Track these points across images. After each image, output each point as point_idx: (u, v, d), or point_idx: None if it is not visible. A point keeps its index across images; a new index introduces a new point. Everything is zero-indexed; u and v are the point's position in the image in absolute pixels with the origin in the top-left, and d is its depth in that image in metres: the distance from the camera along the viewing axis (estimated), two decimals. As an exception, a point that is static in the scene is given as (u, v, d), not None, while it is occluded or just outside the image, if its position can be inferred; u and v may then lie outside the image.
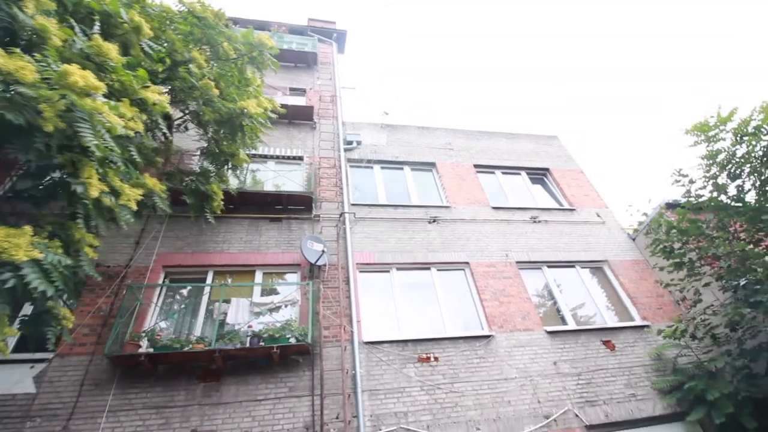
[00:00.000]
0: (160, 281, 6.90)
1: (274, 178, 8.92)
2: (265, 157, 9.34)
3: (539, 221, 9.26)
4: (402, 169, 10.11)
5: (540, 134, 11.99)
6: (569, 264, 8.62)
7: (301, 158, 9.52)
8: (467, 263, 8.10)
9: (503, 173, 10.67)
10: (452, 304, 7.52)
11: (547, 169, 10.92)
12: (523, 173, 10.77)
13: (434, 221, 8.75)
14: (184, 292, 6.91)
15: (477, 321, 7.34)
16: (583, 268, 8.66)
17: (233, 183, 8.19)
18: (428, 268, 7.96)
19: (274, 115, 7.70)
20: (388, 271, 7.79)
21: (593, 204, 10.03)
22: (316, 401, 5.77)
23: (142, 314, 6.34)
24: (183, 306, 6.64)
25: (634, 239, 9.27)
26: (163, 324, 6.42)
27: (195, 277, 7.14)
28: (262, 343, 5.80)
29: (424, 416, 5.91)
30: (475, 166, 10.44)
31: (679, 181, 6.87)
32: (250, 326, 6.01)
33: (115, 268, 6.87)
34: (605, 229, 9.43)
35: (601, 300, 8.19)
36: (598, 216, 9.69)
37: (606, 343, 7.24)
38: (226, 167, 6.72)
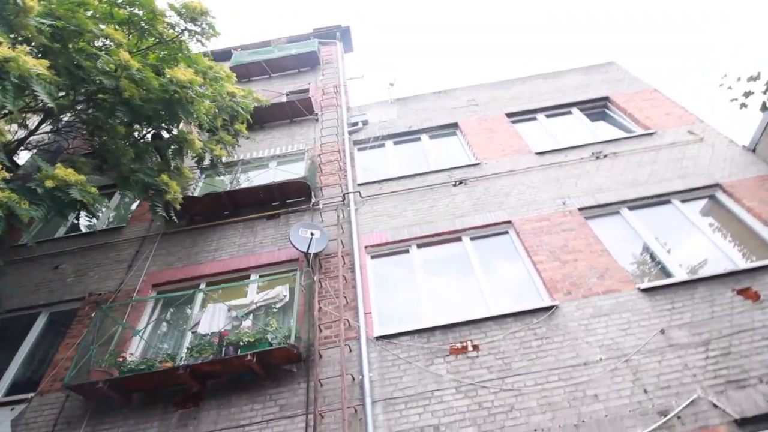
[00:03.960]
0: (150, 301, 6.14)
1: (273, 176, 8.00)
2: (264, 159, 8.53)
3: (605, 156, 6.98)
4: (419, 139, 8.59)
5: (589, 65, 9.66)
6: (661, 199, 6.20)
7: (302, 152, 8.55)
8: (509, 222, 6.18)
9: (548, 116, 8.56)
10: (495, 276, 5.65)
11: (606, 98, 8.55)
12: (575, 109, 8.53)
13: (460, 183, 7.01)
14: (175, 308, 6.06)
15: (532, 290, 5.35)
16: (684, 201, 6.17)
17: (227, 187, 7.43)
18: (459, 239, 6.20)
19: (245, 100, 6.92)
20: (407, 251, 6.19)
21: (680, 122, 7.43)
22: (310, 421, 4.30)
23: (125, 338, 5.55)
24: (155, 321, 5.74)
25: (753, 149, 6.50)
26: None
27: (187, 292, 6.27)
28: (238, 352, 4.57)
29: (466, 429, 4.08)
30: (508, 115, 8.51)
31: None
32: (224, 333, 4.83)
33: (106, 294, 6.29)
34: (706, 147, 6.79)
35: (721, 237, 5.63)
36: (691, 133, 7.08)
37: (743, 292, 4.73)
38: (179, 156, 5.86)
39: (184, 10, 5.38)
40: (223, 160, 7.99)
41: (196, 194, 7.54)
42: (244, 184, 7.85)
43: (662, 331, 4.52)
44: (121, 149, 5.78)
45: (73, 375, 4.78)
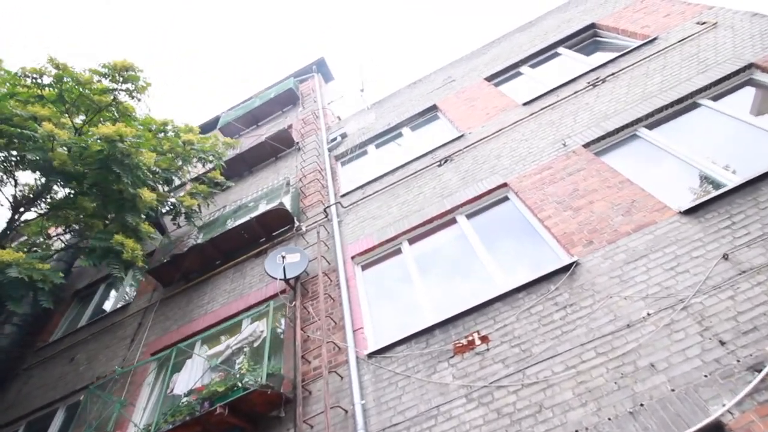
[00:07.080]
0: (150, 372, 5.78)
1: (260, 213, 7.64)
2: (251, 201, 8.25)
3: (603, 81, 5.89)
4: (400, 134, 7.93)
5: (566, 2, 8.62)
6: (684, 104, 4.98)
7: (287, 183, 8.18)
8: (505, 185, 5.22)
9: (533, 65, 7.59)
10: (500, 251, 4.68)
11: (592, 26, 7.45)
12: (562, 48, 7.49)
13: (446, 161, 6.19)
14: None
15: (545, 253, 4.31)
16: (716, 98, 4.90)
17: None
18: (453, 221, 5.33)
19: (212, 147, 6.74)
20: (398, 251, 5.41)
21: (683, 18, 6.17)
22: (299, 474, 3.51)
23: (123, 419, 5.16)
24: (154, 391, 5.29)
25: (791, 10, 5.11)
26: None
27: (185, 353, 5.86)
28: (209, 406, 3.95)
29: (485, 447, 3.09)
30: (488, 78, 7.65)
31: None
32: (199, 389, 4.25)
33: (110, 374, 6.04)
34: (724, 31, 5.49)
35: (779, 124, 4.29)
36: (701, 23, 5.81)
37: (830, 176, 3.41)
38: (134, 214, 5.59)
39: (107, 70, 5.33)
40: (212, 211, 7.83)
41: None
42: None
43: (725, 257, 3.31)
44: (89, 225, 5.68)
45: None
